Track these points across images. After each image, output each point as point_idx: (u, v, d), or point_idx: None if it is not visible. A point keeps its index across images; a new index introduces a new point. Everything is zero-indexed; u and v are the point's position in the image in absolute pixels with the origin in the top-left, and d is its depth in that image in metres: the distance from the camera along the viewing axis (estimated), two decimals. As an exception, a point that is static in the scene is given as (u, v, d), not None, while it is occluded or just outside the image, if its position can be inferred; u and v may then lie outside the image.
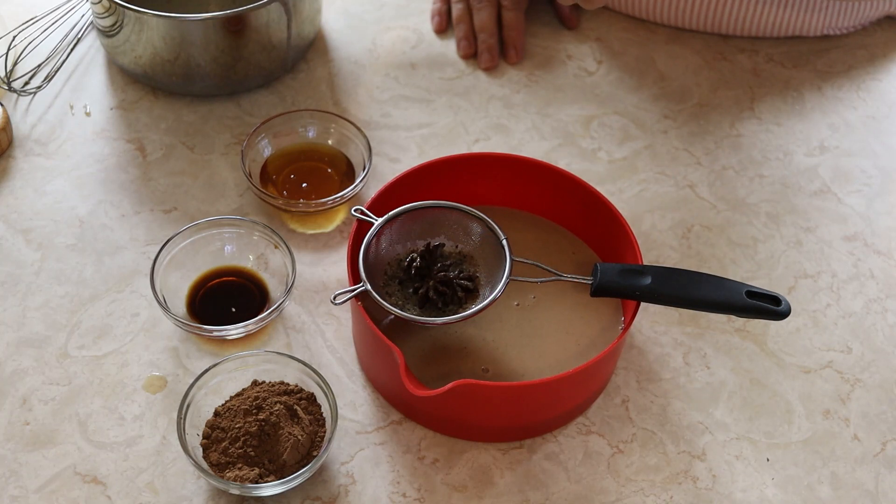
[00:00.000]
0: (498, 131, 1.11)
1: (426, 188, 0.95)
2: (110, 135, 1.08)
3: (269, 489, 0.82)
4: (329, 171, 1.04)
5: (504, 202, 0.99)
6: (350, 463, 0.87)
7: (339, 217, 1.02)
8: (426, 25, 1.20)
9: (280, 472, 0.82)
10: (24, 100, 1.10)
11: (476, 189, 0.98)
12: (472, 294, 0.87)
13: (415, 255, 0.88)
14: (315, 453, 0.84)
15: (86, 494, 0.84)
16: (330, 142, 1.05)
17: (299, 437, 0.83)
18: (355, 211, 0.89)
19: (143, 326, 0.94)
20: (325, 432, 0.85)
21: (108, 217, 1.01)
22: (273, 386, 0.86)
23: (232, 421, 0.84)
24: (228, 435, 0.83)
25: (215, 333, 0.91)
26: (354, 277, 0.86)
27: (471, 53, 1.17)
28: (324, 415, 0.86)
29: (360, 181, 1.00)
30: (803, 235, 1.03)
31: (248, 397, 0.85)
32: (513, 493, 0.86)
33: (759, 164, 1.09)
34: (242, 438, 0.83)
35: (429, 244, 0.88)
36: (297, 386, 0.87)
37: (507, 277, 0.85)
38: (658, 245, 1.02)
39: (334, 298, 0.84)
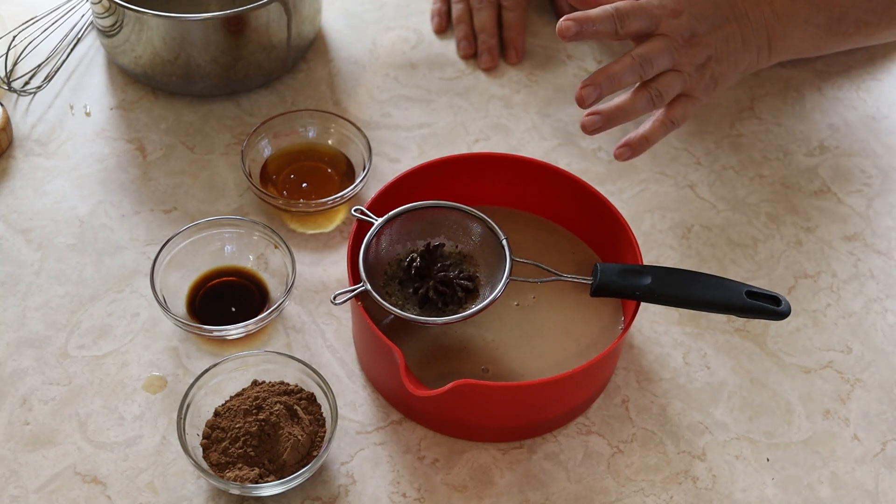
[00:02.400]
0: (498, 131, 1.11)
1: (426, 188, 0.95)
2: (110, 135, 1.08)
3: (269, 489, 0.82)
4: (329, 171, 1.04)
5: (504, 202, 0.99)
6: (350, 463, 0.87)
7: (339, 217, 1.02)
8: (426, 25, 1.20)
9: (280, 472, 0.82)
10: (24, 100, 1.10)
11: (476, 189, 0.98)
12: (472, 294, 0.87)
13: (415, 255, 0.88)
14: (315, 453, 0.84)
15: (86, 494, 0.84)
16: (330, 142, 1.05)
17: (299, 437, 0.83)
18: (355, 211, 0.89)
19: (143, 326, 0.94)
20: (325, 432, 0.85)
21: (108, 217, 1.01)
22: (273, 386, 0.86)
23: (232, 421, 0.84)
24: (228, 435, 0.83)
25: (215, 333, 0.91)
26: (354, 277, 0.86)
27: (471, 54, 1.17)
28: (324, 415, 0.86)
29: (360, 181, 1.00)
30: (803, 235, 1.03)
31: (248, 397, 0.85)
32: (513, 493, 0.86)
33: (759, 164, 1.09)
34: (242, 438, 0.83)
35: (429, 244, 0.88)
36: (297, 386, 0.87)
37: (507, 277, 0.85)
38: (658, 245, 1.02)
39: (334, 298, 0.84)
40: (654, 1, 0.92)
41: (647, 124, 0.95)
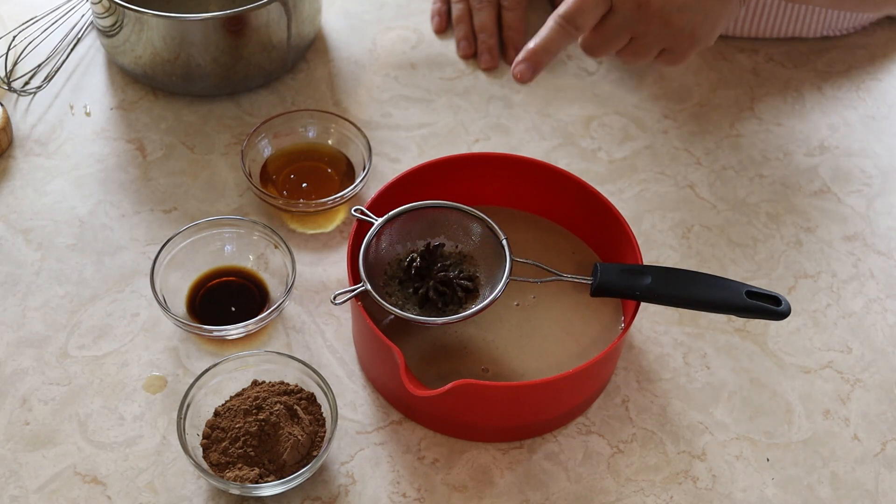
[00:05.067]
0: (498, 131, 1.11)
1: (426, 188, 0.95)
2: (110, 135, 1.08)
3: (269, 489, 0.82)
4: (329, 171, 1.04)
5: (504, 202, 0.99)
6: (350, 463, 0.87)
7: (339, 217, 1.02)
8: (426, 25, 1.20)
9: (280, 472, 0.82)
10: (24, 100, 1.10)
11: (476, 189, 0.98)
12: (472, 294, 0.87)
13: (415, 255, 0.88)
14: (315, 453, 0.84)
15: (86, 494, 0.84)
16: (330, 142, 1.05)
17: (299, 437, 0.83)
18: (355, 211, 0.89)
19: (143, 326, 0.94)
20: (325, 432, 0.85)
21: (108, 217, 1.01)
22: (273, 386, 0.86)
23: (232, 421, 0.84)
24: (228, 435, 0.83)
25: (215, 333, 0.91)
26: (354, 277, 0.86)
27: (471, 53, 1.17)
28: (324, 415, 0.86)
29: (360, 181, 1.00)
30: (803, 235, 1.03)
31: (248, 397, 0.85)
32: (513, 493, 0.86)
33: (759, 164, 1.09)
34: (242, 438, 0.83)
35: (429, 244, 0.88)
36: (297, 386, 0.87)
37: (507, 277, 0.85)
38: (658, 245, 1.02)
39: (334, 298, 0.84)
40: None
41: (542, 31, 0.87)
